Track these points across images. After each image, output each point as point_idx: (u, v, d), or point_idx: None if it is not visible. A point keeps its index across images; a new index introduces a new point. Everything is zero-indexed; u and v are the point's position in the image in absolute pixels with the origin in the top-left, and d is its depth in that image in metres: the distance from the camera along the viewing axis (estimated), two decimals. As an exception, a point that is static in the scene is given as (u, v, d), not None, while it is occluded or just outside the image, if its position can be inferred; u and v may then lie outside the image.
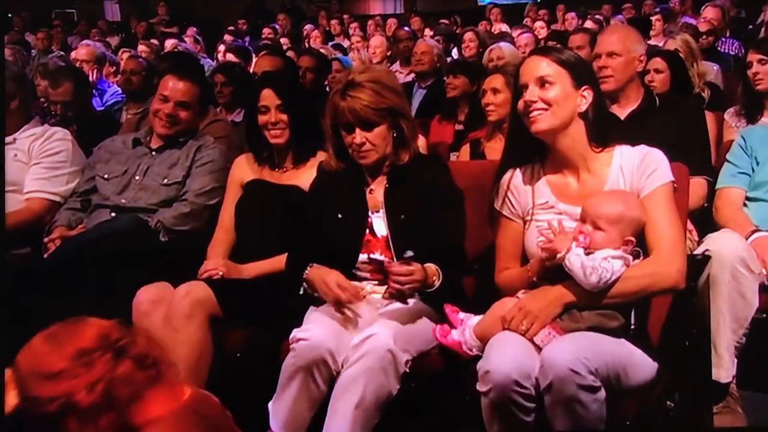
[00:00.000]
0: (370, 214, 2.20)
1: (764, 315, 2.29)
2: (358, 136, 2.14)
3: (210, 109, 3.72)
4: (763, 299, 2.27)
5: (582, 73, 1.93)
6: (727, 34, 6.08)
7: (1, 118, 1.41)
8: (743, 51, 5.50)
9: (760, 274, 2.30)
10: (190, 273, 2.44)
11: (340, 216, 2.19)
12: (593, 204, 1.86)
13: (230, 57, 5.68)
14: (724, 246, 2.25)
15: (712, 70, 4.37)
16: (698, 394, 2.18)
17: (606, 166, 1.94)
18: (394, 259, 2.11)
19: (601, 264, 1.77)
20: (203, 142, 2.88)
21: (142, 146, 2.91)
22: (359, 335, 1.98)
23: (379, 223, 2.19)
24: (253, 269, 2.47)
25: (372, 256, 2.15)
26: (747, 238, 2.39)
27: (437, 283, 2.00)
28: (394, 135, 2.18)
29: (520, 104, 1.92)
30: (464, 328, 1.93)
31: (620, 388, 1.77)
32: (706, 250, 2.24)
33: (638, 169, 1.91)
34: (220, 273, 2.43)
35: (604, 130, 1.94)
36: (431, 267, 2.02)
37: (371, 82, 2.13)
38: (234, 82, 4.19)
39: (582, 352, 1.68)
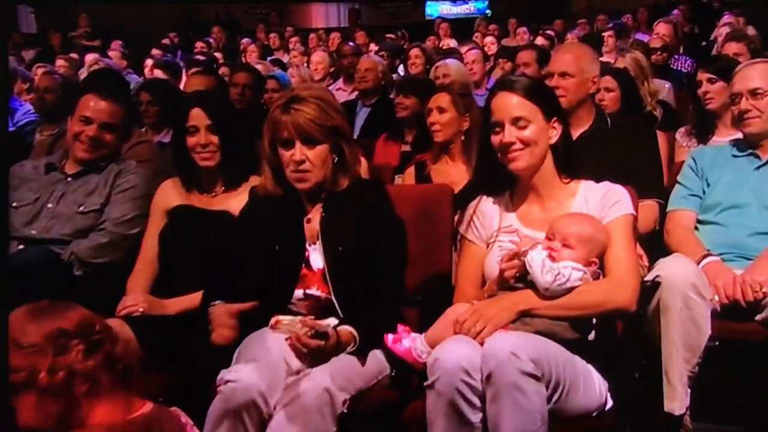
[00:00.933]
0: (307, 246, 2.19)
1: (716, 342, 2.35)
2: (298, 152, 2.13)
3: (134, 130, 3.68)
4: (715, 326, 2.34)
5: (551, 104, 2.11)
6: (681, 51, 6.34)
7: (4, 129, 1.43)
8: (695, 69, 5.75)
9: (711, 300, 2.38)
10: (107, 310, 2.38)
11: (276, 248, 2.17)
12: (564, 222, 2.02)
13: (158, 73, 5.64)
14: (674, 272, 2.32)
15: (663, 88, 4.54)
16: (650, 426, 2.23)
17: (571, 197, 2.13)
18: (332, 294, 2.12)
19: (560, 269, 1.92)
20: (124, 167, 2.85)
21: (56, 171, 2.86)
22: (294, 375, 1.97)
23: (316, 256, 2.19)
24: (177, 304, 2.43)
25: (308, 291, 2.15)
26: (698, 263, 2.48)
27: (351, 348, 2.03)
28: (335, 159, 2.19)
29: (495, 141, 2.08)
30: (415, 337, 2.02)
31: (563, 406, 1.83)
32: (657, 276, 2.32)
33: (602, 201, 2.09)
34: (141, 309, 2.39)
35: (573, 161, 2.13)
36: (346, 332, 2.03)
37: (317, 98, 2.16)
38: (161, 101, 4.15)
39: (523, 340, 1.80)
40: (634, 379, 1.99)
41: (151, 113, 4.15)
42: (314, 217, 2.21)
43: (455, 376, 1.78)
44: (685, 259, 2.42)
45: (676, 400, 2.29)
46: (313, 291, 2.16)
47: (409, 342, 2.01)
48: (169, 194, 2.64)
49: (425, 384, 1.83)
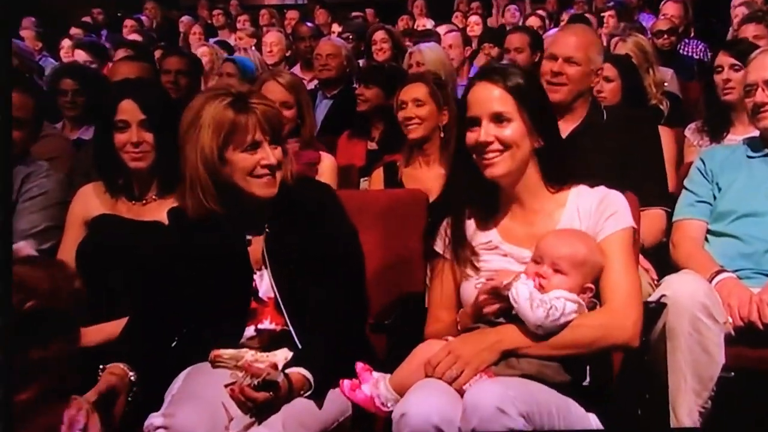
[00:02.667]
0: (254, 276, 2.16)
1: (732, 373, 2.37)
2: (270, 154, 2.09)
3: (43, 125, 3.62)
4: (729, 354, 2.36)
5: (538, 100, 2.06)
6: (691, 34, 6.42)
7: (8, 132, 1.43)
8: (709, 54, 5.83)
9: (725, 323, 2.39)
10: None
11: (215, 282, 2.12)
12: (553, 243, 1.96)
13: (80, 56, 5.56)
14: (681, 291, 2.33)
15: (666, 76, 4.56)
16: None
17: (560, 207, 2.08)
18: (289, 325, 2.10)
19: (552, 301, 1.88)
20: (34, 169, 2.81)
21: None
22: (239, 421, 1.94)
23: (264, 284, 2.15)
24: (96, 334, 2.38)
25: (260, 326, 2.13)
26: (710, 281, 2.50)
27: (306, 394, 1.99)
28: None
29: (470, 140, 2.03)
30: (378, 380, 1.98)
31: None
32: (662, 296, 2.33)
33: (596, 212, 2.05)
34: None
35: (562, 168, 2.08)
36: (298, 377, 1.98)
37: (258, 92, 2.17)
38: (88, 90, 4.08)
39: (512, 391, 1.75)
40: (636, 416, 2.00)
41: (78, 104, 4.08)
42: (256, 239, 2.17)
43: None
44: (694, 276, 2.43)
45: None
46: (266, 325, 2.13)
47: (370, 388, 1.96)
48: (90, 202, 2.61)
49: None
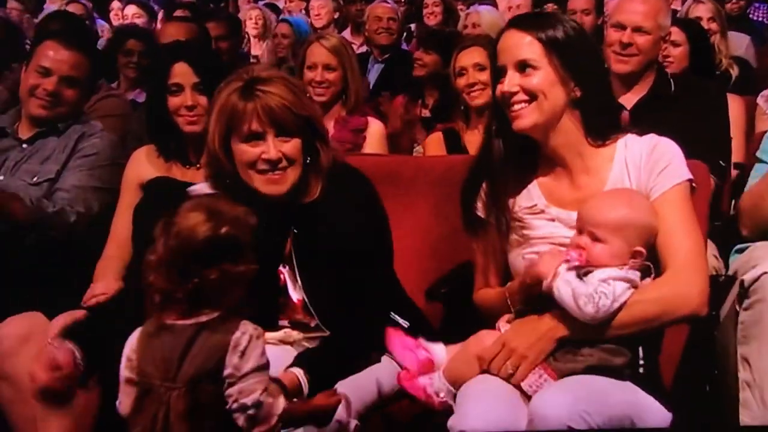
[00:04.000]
0: (282, 270, 2.11)
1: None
2: (273, 147, 1.98)
3: (101, 84, 3.66)
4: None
5: (578, 51, 1.93)
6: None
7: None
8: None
9: None
10: (70, 300, 2.39)
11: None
12: (591, 208, 1.86)
13: (131, 10, 5.57)
14: None
15: (743, 43, 4.46)
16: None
17: (607, 162, 1.96)
18: (320, 323, 2.08)
19: (598, 289, 1.77)
20: (88, 129, 2.84)
21: (8, 137, 2.85)
22: None
23: (291, 280, 2.11)
24: None
25: (293, 320, 2.12)
26: None
27: (304, 393, 1.88)
28: (307, 161, 2.06)
29: (498, 92, 1.95)
30: (431, 375, 1.92)
31: None
32: (765, 272, 2.19)
33: (646, 165, 1.93)
34: None
35: (605, 122, 1.97)
36: (292, 377, 1.88)
37: (283, 79, 2.06)
38: (151, 53, 4.06)
39: (582, 404, 1.68)
40: (704, 394, 1.95)
41: (141, 65, 4.10)
42: (280, 236, 2.10)
43: None
44: None
45: None
46: (301, 319, 2.12)
47: (425, 380, 1.91)
48: (144, 165, 2.64)
49: None
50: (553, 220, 1.97)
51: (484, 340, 1.90)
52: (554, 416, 1.65)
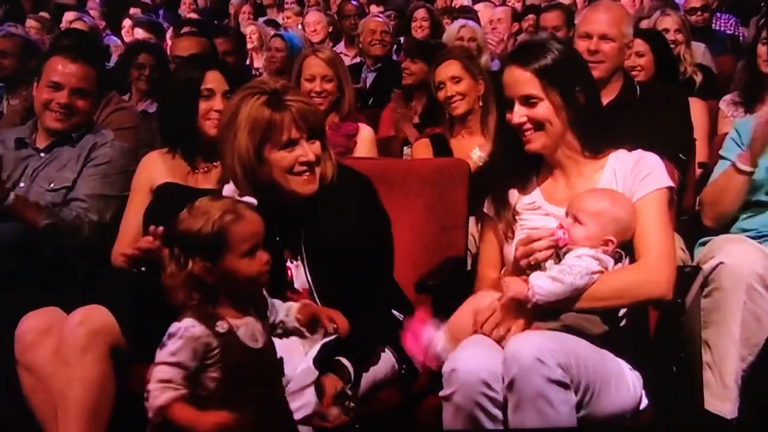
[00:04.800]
0: (288, 264, 2.13)
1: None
2: (309, 151, 2.03)
3: (113, 96, 3.66)
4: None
5: (570, 75, 2.05)
6: (723, 9, 6.24)
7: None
8: (740, 28, 5.69)
9: None
10: (86, 295, 2.39)
11: None
12: (578, 197, 2.02)
13: (139, 34, 5.61)
14: (739, 260, 2.28)
15: (698, 52, 4.47)
16: (692, 428, 2.23)
17: (598, 170, 2.10)
18: None
19: (572, 262, 1.89)
20: (101, 138, 2.84)
21: (26, 147, 2.85)
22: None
23: (300, 275, 2.12)
24: None
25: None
26: None
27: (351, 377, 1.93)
28: None
29: (508, 120, 2.07)
30: (433, 335, 1.96)
31: (593, 410, 1.82)
32: (720, 263, 2.28)
33: (631, 174, 2.06)
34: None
35: (599, 136, 2.09)
36: (342, 366, 1.92)
37: (294, 88, 2.15)
38: (162, 66, 4.12)
39: (550, 342, 1.77)
40: (671, 374, 1.98)
41: (153, 78, 4.12)
42: (290, 230, 2.11)
43: (474, 389, 1.77)
44: (751, 244, 2.38)
45: (729, 402, 2.28)
46: None
47: (426, 340, 1.96)
48: (154, 169, 2.62)
49: (441, 395, 1.83)
50: (547, 214, 2.10)
51: (481, 299, 1.99)
52: (524, 351, 1.75)
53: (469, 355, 1.82)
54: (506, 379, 1.77)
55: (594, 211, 1.96)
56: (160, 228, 2.26)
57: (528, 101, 2.03)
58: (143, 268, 2.31)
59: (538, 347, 1.75)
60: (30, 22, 6.58)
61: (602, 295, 1.90)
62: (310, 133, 2.05)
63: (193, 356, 1.61)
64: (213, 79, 2.55)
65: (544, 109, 2.03)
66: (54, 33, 6.35)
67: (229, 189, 1.89)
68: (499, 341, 1.87)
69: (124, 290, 2.37)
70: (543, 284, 1.87)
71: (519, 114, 2.04)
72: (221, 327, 1.64)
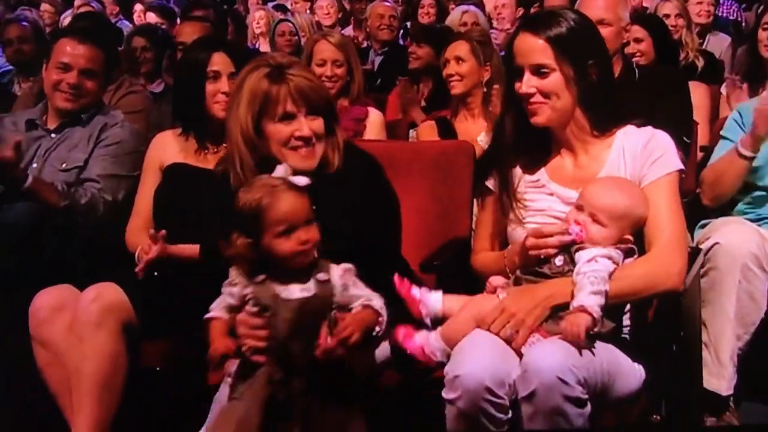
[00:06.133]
0: None
1: (764, 317, 2.34)
2: (305, 126, 2.02)
3: (124, 79, 3.66)
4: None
5: (585, 48, 1.96)
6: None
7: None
8: (743, 14, 5.64)
9: None
10: (98, 273, 2.38)
11: None
12: (595, 193, 1.89)
13: (151, 18, 5.60)
14: (735, 240, 2.27)
15: (724, 44, 4.43)
16: (688, 406, 2.23)
17: (607, 148, 2.01)
18: None
19: (596, 270, 1.79)
20: (110, 119, 2.84)
21: (37, 128, 2.84)
22: None
23: None
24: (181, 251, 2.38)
25: None
26: None
27: (383, 319, 1.86)
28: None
29: (516, 89, 1.99)
30: (428, 333, 1.92)
31: (603, 400, 1.80)
32: (716, 243, 2.27)
33: (642, 154, 1.97)
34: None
35: (609, 115, 2.01)
36: (368, 312, 1.84)
37: (301, 63, 2.10)
38: (157, 47, 4.14)
39: (571, 358, 1.71)
40: (672, 353, 1.97)
41: (148, 59, 4.13)
42: None
43: (478, 395, 1.70)
44: (746, 225, 2.38)
45: (725, 379, 2.28)
46: None
47: (421, 338, 1.90)
48: (165, 149, 2.62)
49: (444, 396, 1.76)
50: (551, 194, 2.02)
51: (483, 302, 1.91)
52: (546, 368, 1.69)
53: (473, 360, 1.75)
54: (524, 390, 1.70)
55: (617, 214, 1.86)
56: (162, 232, 2.32)
57: (539, 71, 1.94)
58: (156, 273, 2.35)
59: (560, 364, 1.68)
60: (44, 6, 6.56)
61: (617, 294, 1.82)
62: (310, 109, 2.02)
63: (231, 295, 1.82)
64: (219, 61, 2.53)
65: (554, 81, 1.94)
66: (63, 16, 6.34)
67: (281, 169, 1.87)
68: (508, 340, 1.81)
69: (132, 272, 2.38)
70: (593, 303, 1.77)
71: (528, 84, 1.95)
72: (258, 278, 1.80)
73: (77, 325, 2.23)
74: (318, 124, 2.04)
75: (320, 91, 2.08)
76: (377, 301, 1.85)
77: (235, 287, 1.82)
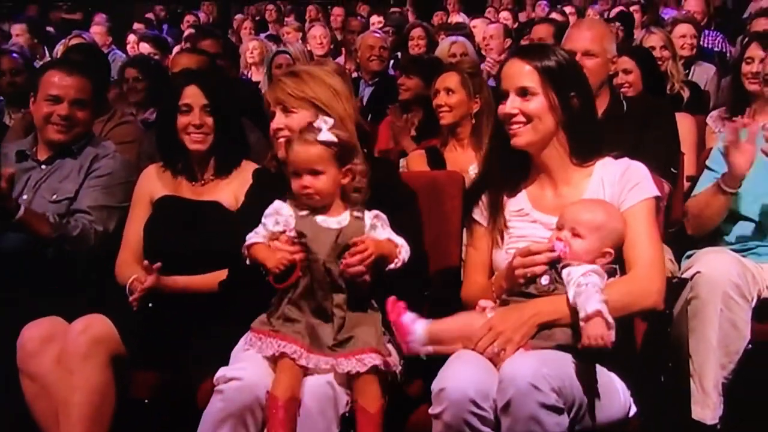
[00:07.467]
0: None
1: (749, 345, 2.34)
2: (277, 121, 2.21)
3: (116, 110, 3.67)
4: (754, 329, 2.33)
5: (569, 80, 2.03)
6: (712, 26, 6.26)
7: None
8: (728, 45, 5.71)
9: (753, 300, 2.36)
10: (87, 305, 2.38)
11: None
12: (573, 210, 1.97)
13: (144, 48, 5.62)
14: (715, 269, 2.30)
15: (710, 72, 4.48)
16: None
17: (586, 178, 2.07)
18: None
19: (594, 283, 1.83)
20: (101, 150, 2.83)
21: (27, 160, 2.84)
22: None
23: None
24: (174, 283, 2.40)
25: None
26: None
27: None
28: None
29: (500, 111, 2.05)
30: (417, 320, 1.95)
31: (584, 423, 1.81)
32: (697, 272, 2.29)
33: (619, 182, 2.03)
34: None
35: (589, 145, 2.06)
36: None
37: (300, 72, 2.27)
38: (148, 78, 4.17)
39: (545, 367, 1.75)
40: (659, 383, 1.97)
41: (138, 90, 4.15)
42: None
43: (463, 407, 1.76)
44: (728, 255, 2.39)
45: (710, 408, 2.28)
46: None
47: (409, 320, 1.93)
48: (154, 181, 2.63)
49: (431, 412, 1.81)
50: (534, 221, 2.08)
51: (474, 318, 1.94)
52: (520, 376, 1.73)
53: (457, 374, 1.80)
54: (501, 401, 1.75)
55: (594, 225, 1.93)
56: (157, 264, 2.33)
57: (523, 93, 2.00)
58: (150, 304, 2.35)
59: (534, 372, 1.72)
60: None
61: None
62: (284, 106, 2.19)
63: (276, 222, 2.05)
64: (190, 94, 2.54)
65: (537, 104, 2.00)
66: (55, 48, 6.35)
67: (319, 121, 2.06)
68: (492, 359, 1.84)
69: (125, 300, 2.38)
70: (605, 309, 1.79)
71: (512, 105, 2.01)
72: (303, 212, 2.05)
73: (66, 356, 2.22)
74: (292, 119, 2.19)
75: (294, 88, 2.22)
76: (399, 240, 2.05)
77: (282, 216, 2.05)
